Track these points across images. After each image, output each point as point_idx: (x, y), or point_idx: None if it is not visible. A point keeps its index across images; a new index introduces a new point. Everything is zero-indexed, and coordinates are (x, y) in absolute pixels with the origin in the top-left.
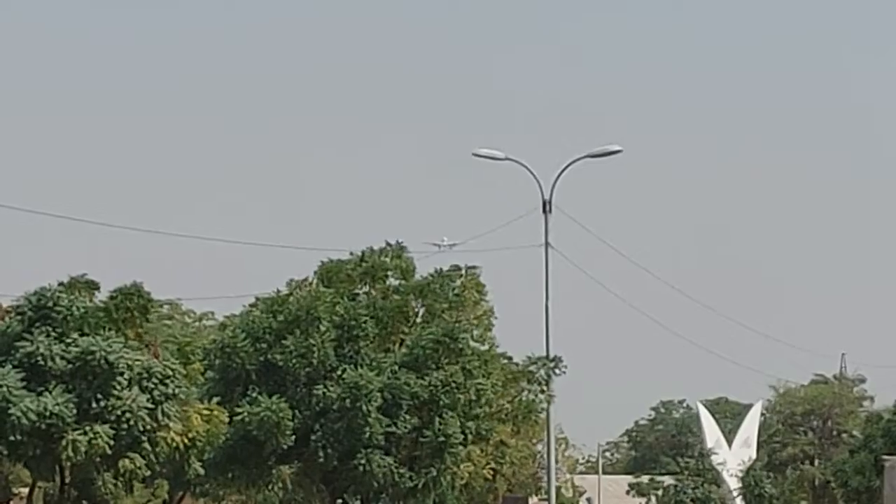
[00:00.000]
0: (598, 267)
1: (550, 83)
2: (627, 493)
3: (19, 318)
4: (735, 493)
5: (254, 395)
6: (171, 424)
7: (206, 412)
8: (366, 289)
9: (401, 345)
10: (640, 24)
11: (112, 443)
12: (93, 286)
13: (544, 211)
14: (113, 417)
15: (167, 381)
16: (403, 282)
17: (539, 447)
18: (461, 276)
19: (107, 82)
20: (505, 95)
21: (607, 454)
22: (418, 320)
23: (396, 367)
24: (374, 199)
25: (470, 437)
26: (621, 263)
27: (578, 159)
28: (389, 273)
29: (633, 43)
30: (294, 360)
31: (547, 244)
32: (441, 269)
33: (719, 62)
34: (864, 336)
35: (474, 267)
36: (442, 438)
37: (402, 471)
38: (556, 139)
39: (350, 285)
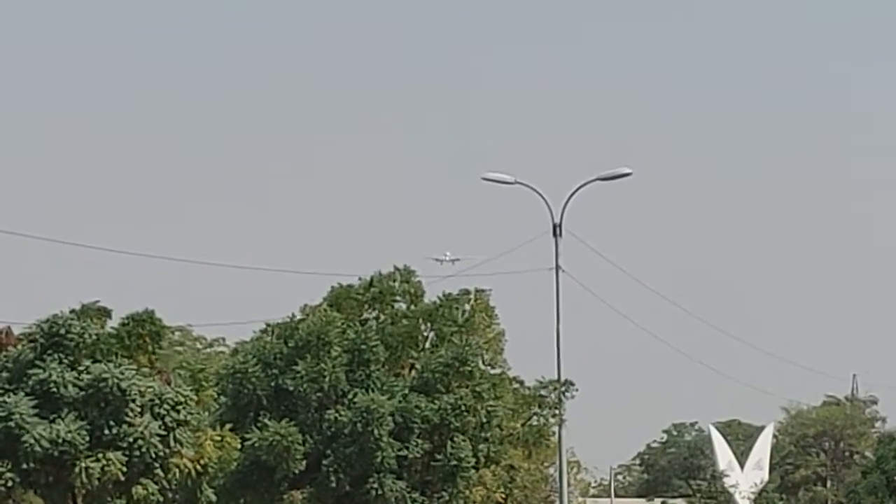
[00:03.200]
0: (608, 289)
1: (558, 97)
2: None
3: (31, 345)
4: None
5: (265, 420)
6: (183, 451)
7: (217, 438)
8: (374, 313)
9: (411, 369)
10: (653, 38)
11: (125, 470)
12: (104, 313)
13: (554, 235)
14: (125, 444)
15: (179, 407)
16: (412, 306)
17: (551, 470)
18: (470, 299)
19: (111, 98)
20: (513, 109)
21: (619, 477)
22: (427, 345)
23: (407, 392)
24: (383, 222)
25: (482, 460)
26: (631, 285)
27: (588, 182)
28: (398, 297)
29: (643, 58)
30: (305, 385)
31: (557, 268)
32: (450, 293)
33: (731, 79)
34: (875, 357)
35: (482, 290)
36: (454, 462)
37: (414, 495)
38: (566, 157)
39: (359, 310)
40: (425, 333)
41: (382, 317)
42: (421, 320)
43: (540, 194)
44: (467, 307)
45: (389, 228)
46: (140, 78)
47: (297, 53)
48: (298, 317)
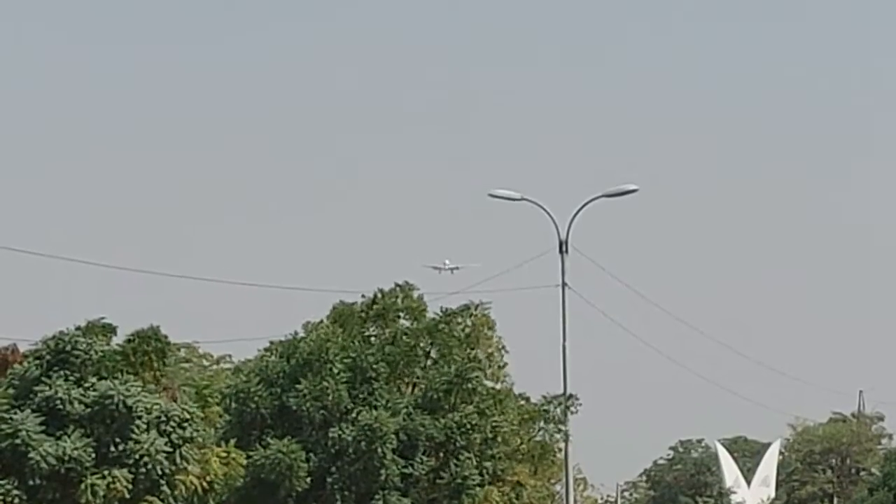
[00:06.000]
0: (614, 306)
1: (565, 112)
2: None
3: (37, 362)
4: None
5: (268, 438)
6: (189, 468)
7: (223, 455)
8: (377, 331)
9: (413, 386)
10: (659, 53)
11: (131, 487)
12: (110, 330)
13: (561, 251)
14: (131, 461)
15: (185, 424)
16: (415, 322)
17: (557, 487)
18: (472, 314)
19: (112, 115)
20: (519, 124)
21: (626, 494)
22: (429, 362)
23: (411, 409)
24: (390, 238)
25: (487, 477)
26: (637, 302)
27: (594, 199)
28: (400, 314)
29: (647, 74)
30: (308, 403)
31: (564, 284)
32: (447, 308)
33: (737, 95)
34: (882, 373)
35: (483, 303)
36: (459, 480)
37: None
38: (572, 174)
39: (361, 327)
40: (426, 350)
41: (384, 334)
42: (421, 337)
43: (546, 211)
44: (469, 322)
45: (397, 245)
46: (144, 96)
47: (298, 65)
48: (301, 334)
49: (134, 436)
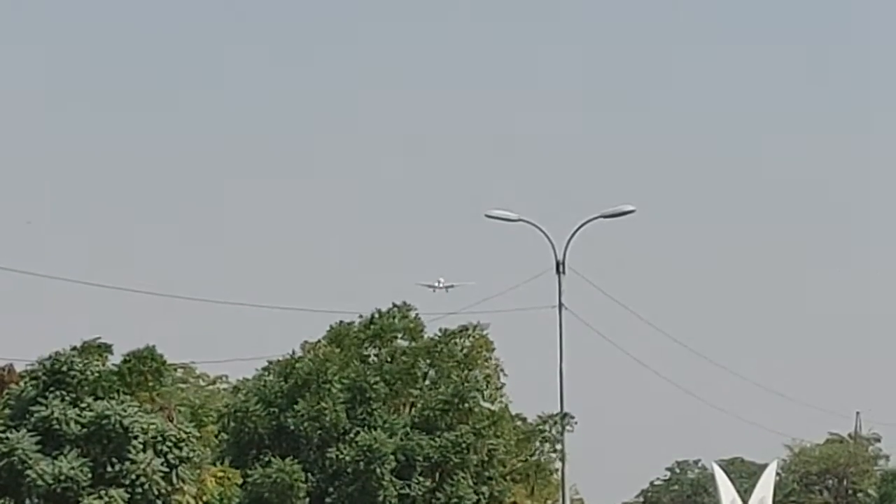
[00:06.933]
0: (611, 326)
1: (563, 137)
2: None
3: (34, 382)
4: None
5: (266, 458)
6: (185, 488)
7: (219, 475)
8: (375, 351)
9: (411, 406)
10: (656, 76)
11: None
12: (105, 350)
13: (557, 272)
14: (128, 481)
15: (181, 444)
16: (412, 342)
17: None
18: (470, 335)
19: (112, 126)
20: (517, 147)
21: None
22: (427, 381)
23: (408, 429)
24: (387, 259)
25: (483, 500)
26: (634, 322)
27: (591, 220)
28: (398, 335)
29: (644, 96)
30: (306, 424)
31: (561, 305)
32: (446, 328)
33: (734, 116)
34: (878, 394)
35: (482, 324)
36: (454, 500)
37: None
38: (569, 197)
39: (359, 347)
40: (424, 370)
41: (382, 353)
42: (419, 357)
43: (543, 231)
44: (467, 343)
45: (392, 263)
46: (144, 107)
47: (298, 81)
48: (298, 354)
49: (130, 456)
